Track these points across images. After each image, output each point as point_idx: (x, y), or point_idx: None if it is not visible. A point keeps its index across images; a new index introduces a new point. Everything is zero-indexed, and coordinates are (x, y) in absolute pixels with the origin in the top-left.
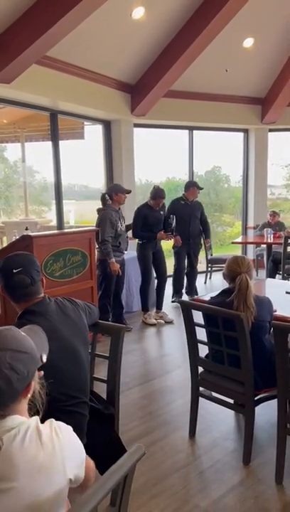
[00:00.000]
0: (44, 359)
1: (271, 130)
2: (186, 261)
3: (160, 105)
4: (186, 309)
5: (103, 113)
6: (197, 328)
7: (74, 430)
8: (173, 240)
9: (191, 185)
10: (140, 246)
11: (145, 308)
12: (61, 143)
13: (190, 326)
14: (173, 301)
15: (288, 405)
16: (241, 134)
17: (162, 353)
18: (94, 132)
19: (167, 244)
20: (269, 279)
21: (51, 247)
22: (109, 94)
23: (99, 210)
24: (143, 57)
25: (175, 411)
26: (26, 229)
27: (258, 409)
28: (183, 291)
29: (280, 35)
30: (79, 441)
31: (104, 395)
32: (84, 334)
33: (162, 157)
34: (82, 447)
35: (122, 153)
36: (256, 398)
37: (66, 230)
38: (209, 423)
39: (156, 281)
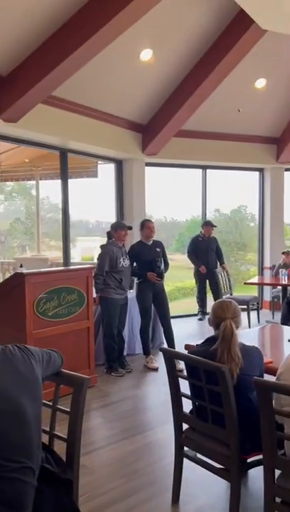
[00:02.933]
0: None
1: (287, 169)
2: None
3: (172, 144)
4: (169, 358)
5: (114, 152)
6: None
7: (13, 500)
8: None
9: (206, 224)
10: (137, 285)
11: (146, 352)
12: (75, 181)
13: (172, 377)
14: (199, 320)
15: (278, 474)
16: (256, 174)
17: (160, 401)
18: (107, 171)
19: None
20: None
21: (45, 285)
22: (120, 133)
23: (102, 246)
24: (154, 97)
25: (163, 470)
26: (21, 266)
27: (252, 472)
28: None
29: None
30: None
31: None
32: (34, 388)
33: (186, 196)
34: None
35: (133, 191)
36: (243, 463)
37: (62, 268)
38: (196, 487)
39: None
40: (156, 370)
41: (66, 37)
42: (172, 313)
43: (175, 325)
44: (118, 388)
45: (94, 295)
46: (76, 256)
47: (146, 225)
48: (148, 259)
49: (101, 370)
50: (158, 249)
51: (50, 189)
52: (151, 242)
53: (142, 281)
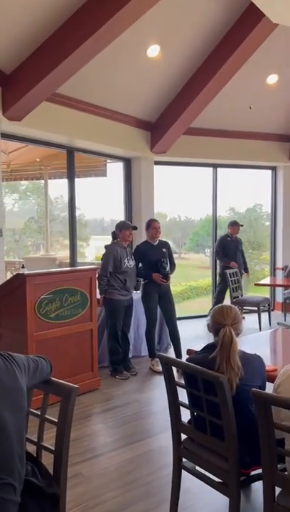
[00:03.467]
0: None
1: None
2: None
3: (181, 142)
4: (166, 366)
5: (122, 151)
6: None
7: None
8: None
9: (233, 224)
10: (143, 286)
11: (152, 354)
12: (87, 180)
13: (170, 385)
14: None
15: (279, 492)
16: (269, 172)
17: (163, 406)
18: (116, 169)
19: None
20: None
21: (47, 287)
22: (128, 132)
23: (106, 246)
24: (162, 94)
25: (162, 480)
26: (22, 267)
27: (256, 484)
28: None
29: None
30: None
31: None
32: (17, 399)
33: (200, 194)
34: None
35: (142, 190)
36: (243, 478)
37: (64, 269)
38: (195, 499)
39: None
40: (160, 373)
41: (69, 33)
42: (183, 313)
43: (186, 326)
44: (121, 392)
45: (98, 296)
46: (90, 255)
47: (151, 225)
48: (153, 260)
49: (105, 373)
50: (164, 250)
51: (63, 188)
52: (157, 242)
53: (148, 282)
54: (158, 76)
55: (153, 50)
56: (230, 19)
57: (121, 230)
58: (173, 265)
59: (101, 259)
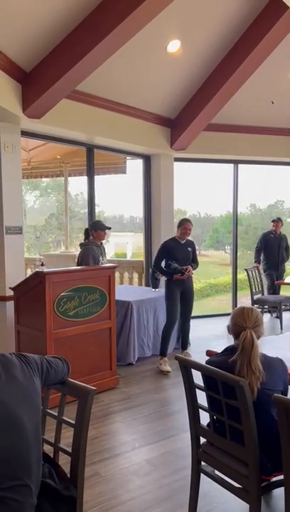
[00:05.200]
0: None
1: None
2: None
3: (201, 139)
4: (185, 368)
5: (142, 148)
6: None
7: None
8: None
9: (276, 220)
10: (166, 283)
11: (163, 353)
12: (106, 177)
13: (189, 387)
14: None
15: None
16: None
17: (181, 407)
18: (136, 166)
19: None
20: None
21: (66, 285)
22: (148, 128)
23: (81, 245)
24: (182, 90)
25: (180, 482)
26: (42, 264)
27: (278, 492)
28: None
29: None
30: None
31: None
32: (33, 398)
33: (220, 191)
34: None
35: (161, 187)
36: (264, 484)
37: (83, 267)
38: (214, 504)
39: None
40: (167, 373)
41: (88, 30)
42: (203, 311)
43: (206, 325)
44: (140, 391)
45: None
46: (110, 251)
47: (183, 225)
48: (178, 258)
49: (125, 370)
50: (189, 249)
51: (83, 185)
52: (184, 241)
53: (170, 279)
54: (178, 72)
55: (174, 46)
56: (252, 12)
57: (97, 230)
58: (196, 263)
59: (78, 258)
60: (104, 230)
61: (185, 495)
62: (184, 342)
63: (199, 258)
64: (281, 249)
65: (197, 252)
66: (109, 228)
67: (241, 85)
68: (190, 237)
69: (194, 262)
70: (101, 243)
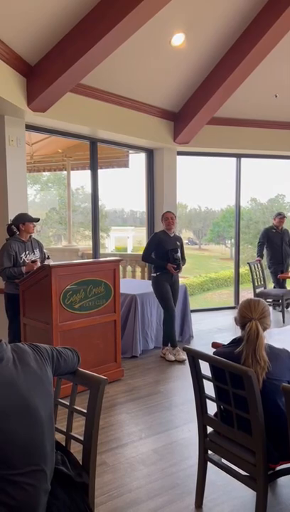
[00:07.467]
0: None
1: None
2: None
3: (204, 132)
4: (192, 359)
5: (145, 141)
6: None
7: (24, 505)
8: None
9: (279, 215)
10: (154, 279)
11: (173, 344)
12: (108, 171)
13: (197, 378)
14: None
15: None
16: None
17: (187, 398)
18: (138, 160)
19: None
20: None
21: (71, 278)
22: (151, 122)
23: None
24: (186, 83)
25: (187, 471)
26: (48, 258)
27: (282, 478)
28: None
29: None
30: None
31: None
32: (46, 385)
33: (221, 185)
34: None
35: (164, 181)
36: (270, 472)
37: (89, 260)
38: (220, 491)
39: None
40: (171, 362)
41: (93, 24)
42: (204, 305)
43: (209, 318)
44: (145, 382)
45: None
46: (110, 245)
47: (164, 215)
48: (167, 249)
49: (129, 363)
50: (178, 243)
51: (84, 179)
52: (172, 234)
53: (159, 275)
54: (182, 65)
55: (178, 39)
56: (256, 7)
57: (25, 223)
58: (184, 260)
59: None
60: (32, 221)
61: (192, 483)
62: (171, 338)
63: (199, 252)
64: (284, 244)
65: (193, 245)
66: (38, 220)
67: (244, 79)
68: (191, 233)
69: (182, 257)
70: (30, 236)
